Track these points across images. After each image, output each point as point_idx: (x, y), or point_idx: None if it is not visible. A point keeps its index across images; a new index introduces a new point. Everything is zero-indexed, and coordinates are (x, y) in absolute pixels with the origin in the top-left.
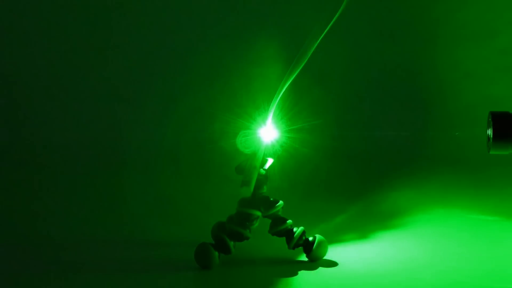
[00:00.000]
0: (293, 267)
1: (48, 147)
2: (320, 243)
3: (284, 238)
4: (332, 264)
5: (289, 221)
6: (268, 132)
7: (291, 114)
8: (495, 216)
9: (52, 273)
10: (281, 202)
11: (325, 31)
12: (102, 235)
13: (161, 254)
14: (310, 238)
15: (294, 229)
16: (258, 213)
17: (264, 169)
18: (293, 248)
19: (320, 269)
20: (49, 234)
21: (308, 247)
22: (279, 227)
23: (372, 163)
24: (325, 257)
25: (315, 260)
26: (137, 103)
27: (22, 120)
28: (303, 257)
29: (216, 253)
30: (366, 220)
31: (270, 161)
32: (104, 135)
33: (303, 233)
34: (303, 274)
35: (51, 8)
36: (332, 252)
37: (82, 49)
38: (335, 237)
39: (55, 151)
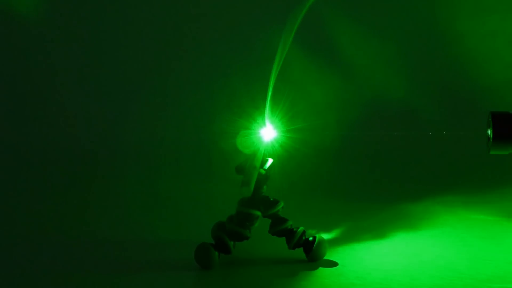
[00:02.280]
0: (293, 267)
1: (50, 147)
2: (320, 243)
3: (284, 238)
4: (332, 264)
5: (289, 221)
6: (267, 132)
7: (290, 114)
8: (495, 216)
9: (52, 273)
10: (281, 202)
11: (295, 28)
12: (102, 234)
13: (161, 254)
14: (310, 238)
15: (294, 229)
16: (258, 213)
17: (264, 169)
18: (293, 248)
19: (320, 269)
20: (48, 233)
21: (308, 247)
22: (279, 227)
23: (372, 163)
24: (325, 257)
25: (315, 260)
26: (137, 103)
27: (23, 119)
28: (303, 257)
29: (216, 253)
30: (366, 221)
31: (270, 161)
32: (104, 134)
33: (303, 233)
34: (303, 274)
35: (51, 8)
36: (332, 252)
37: (82, 48)
38: (336, 238)
39: (57, 150)
